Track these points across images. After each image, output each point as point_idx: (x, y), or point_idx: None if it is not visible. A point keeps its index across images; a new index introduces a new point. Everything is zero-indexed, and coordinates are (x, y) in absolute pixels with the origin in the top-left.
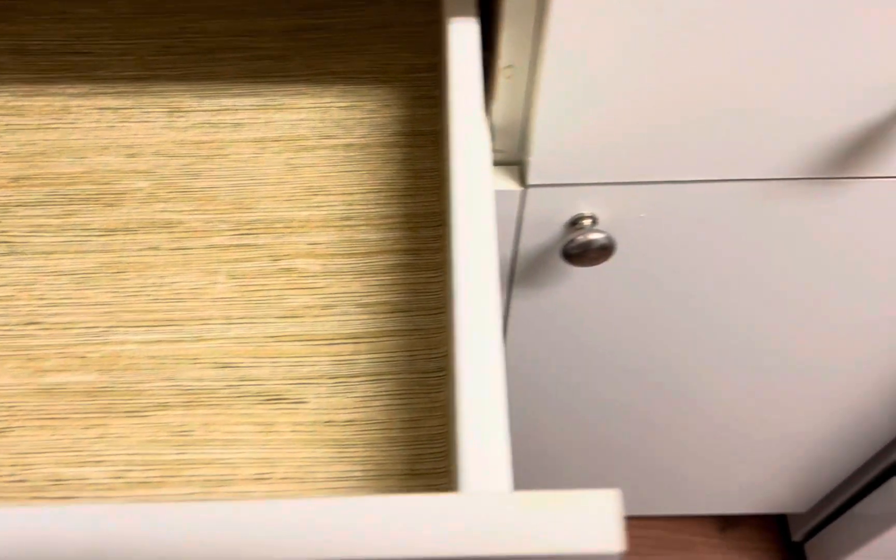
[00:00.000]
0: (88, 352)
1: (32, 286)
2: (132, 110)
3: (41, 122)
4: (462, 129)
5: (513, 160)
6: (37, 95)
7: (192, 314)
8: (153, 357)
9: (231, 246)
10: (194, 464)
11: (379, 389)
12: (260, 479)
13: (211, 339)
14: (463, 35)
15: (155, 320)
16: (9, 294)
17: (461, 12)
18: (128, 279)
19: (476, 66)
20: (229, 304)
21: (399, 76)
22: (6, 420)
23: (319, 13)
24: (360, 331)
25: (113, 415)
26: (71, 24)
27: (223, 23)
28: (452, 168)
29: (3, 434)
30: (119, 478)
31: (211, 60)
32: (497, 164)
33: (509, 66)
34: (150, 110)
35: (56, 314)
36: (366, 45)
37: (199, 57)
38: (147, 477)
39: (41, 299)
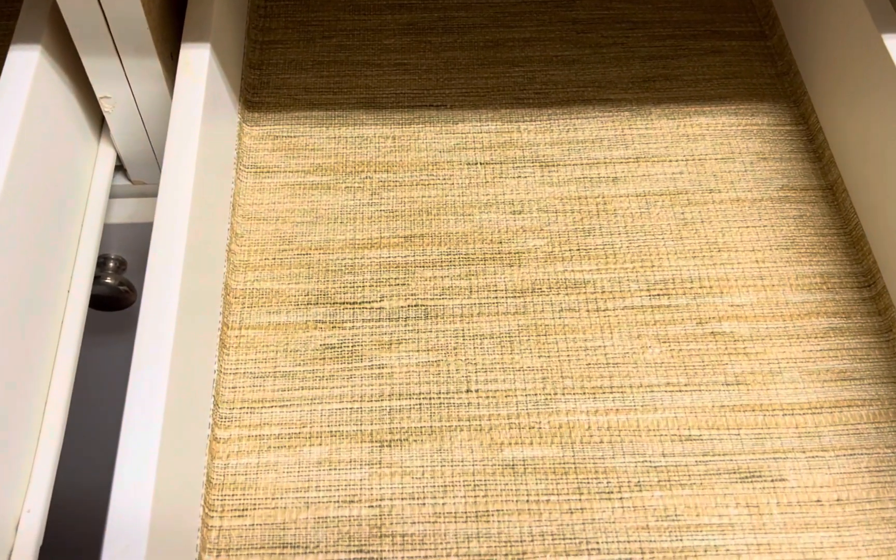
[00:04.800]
0: (538, 423)
1: (458, 351)
2: (503, 165)
3: (414, 178)
4: None
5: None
6: (404, 150)
7: (631, 380)
8: (608, 428)
9: (649, 307)
10: (694, 553)
11: (857, 465)
12: None
13: (662, 409)
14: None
15: (596, 388)
16: (437, 358)
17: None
18: (552, 342)
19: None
20: (666, 369)
21: (768, 128)
22: (481, 501)
23: (665, 63)
24: (815, 400)
25: (588, 496)
26: (415, 76)
27: (566, 73)
28: None
29: (484, 518)
30: None
31: (568, 112)
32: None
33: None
34: (521, 165)
35: (490, 380)
36: (723, 97)
37: (555, 108)
38: None
39: (470, 364)
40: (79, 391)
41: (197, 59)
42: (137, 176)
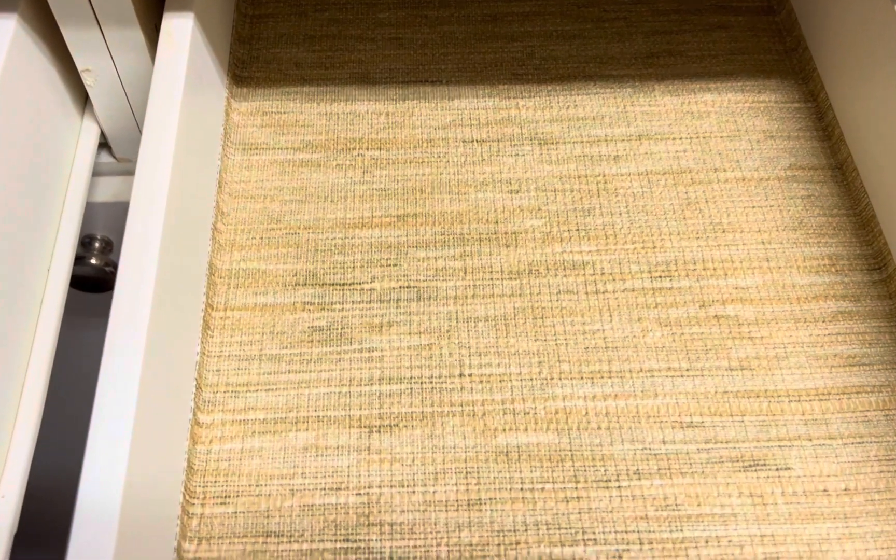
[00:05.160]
0: (533, 408)
1: (451, 334)
2: (500, 143)
3: (408, 156)
4: None
5: None
6: (397, 127)
7: (631, 365)
8: (607, 414)
9: (650, 289)
10: (695, 543)
11: (866, 453)
12: (770, 559)
13: (663, 394)
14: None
15: (594, 373)
16: (429, 342)
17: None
18: (549, 326)
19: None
20: (668, 354)
21: (775, 106)
22: (473, 489)
23: (669, 38)
24: (823, 386)
25: (585, 484)
26: (409, 50)
27: (566, 48)
28: None
29: (476, 506)
30: (618, 558)
31: (568, 89)
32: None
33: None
34: (519, 143)
35: (484, 364)
36: (730, 73)
37: (555, 85)
38: (647, 557)
39: (464, 347)
40: (62, 374)
41: (179, 29)
42: (123, 153)
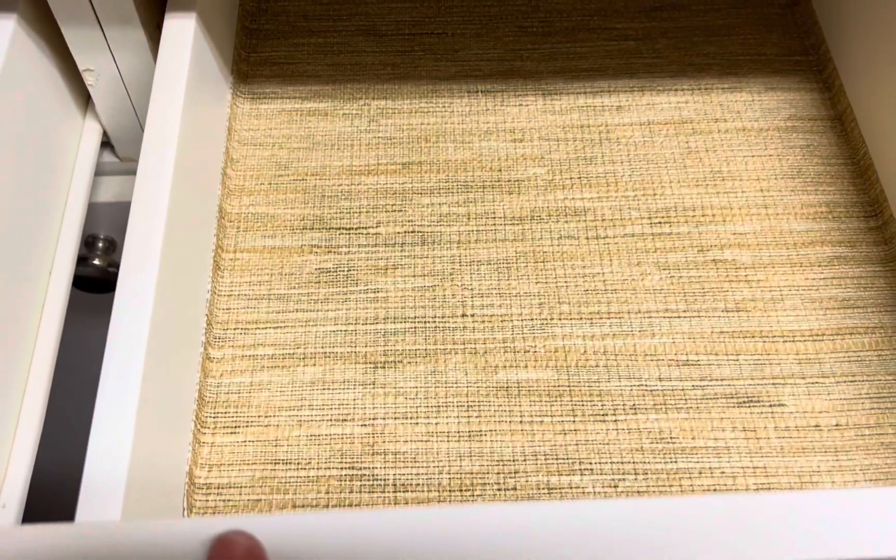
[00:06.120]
0: (533, 346)
1: (454, 276)
2: (504, 93)
3: (413, 106)
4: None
5: None
6: (403, 77)
7: (629, 306)
8: (604, 353)
9: (650, 235)
10: (689, 474)
11: (857, 391)
12: (762, 489)
13: (660, 334)
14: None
15: (593, 313)
16: (433, 284)
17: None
18: (550, 269)
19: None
20: (665, 296)
21: (776, 58)
22: (474, 421)
23: None
24: (817, 327)
25: (583, 418)
26: (415, 3)
27: (571, 1)
28: None
29: (477, 437)
30: (613, 487)
31: (572, 40)
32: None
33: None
34: (523, 93)
35: (486, 305)
36: (731, 27)
37: (559, 37)
38: (641, 486)
39: (466, 289)
40: (67, 375)
41: None
42: (125, 152)
